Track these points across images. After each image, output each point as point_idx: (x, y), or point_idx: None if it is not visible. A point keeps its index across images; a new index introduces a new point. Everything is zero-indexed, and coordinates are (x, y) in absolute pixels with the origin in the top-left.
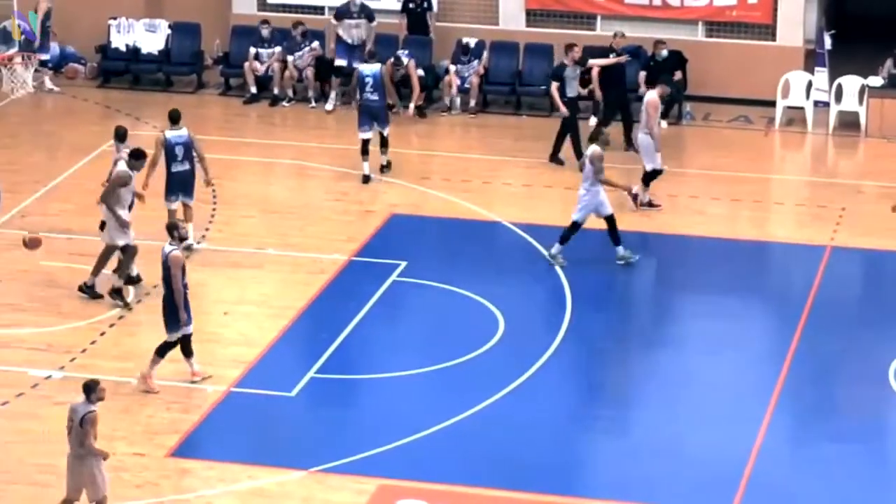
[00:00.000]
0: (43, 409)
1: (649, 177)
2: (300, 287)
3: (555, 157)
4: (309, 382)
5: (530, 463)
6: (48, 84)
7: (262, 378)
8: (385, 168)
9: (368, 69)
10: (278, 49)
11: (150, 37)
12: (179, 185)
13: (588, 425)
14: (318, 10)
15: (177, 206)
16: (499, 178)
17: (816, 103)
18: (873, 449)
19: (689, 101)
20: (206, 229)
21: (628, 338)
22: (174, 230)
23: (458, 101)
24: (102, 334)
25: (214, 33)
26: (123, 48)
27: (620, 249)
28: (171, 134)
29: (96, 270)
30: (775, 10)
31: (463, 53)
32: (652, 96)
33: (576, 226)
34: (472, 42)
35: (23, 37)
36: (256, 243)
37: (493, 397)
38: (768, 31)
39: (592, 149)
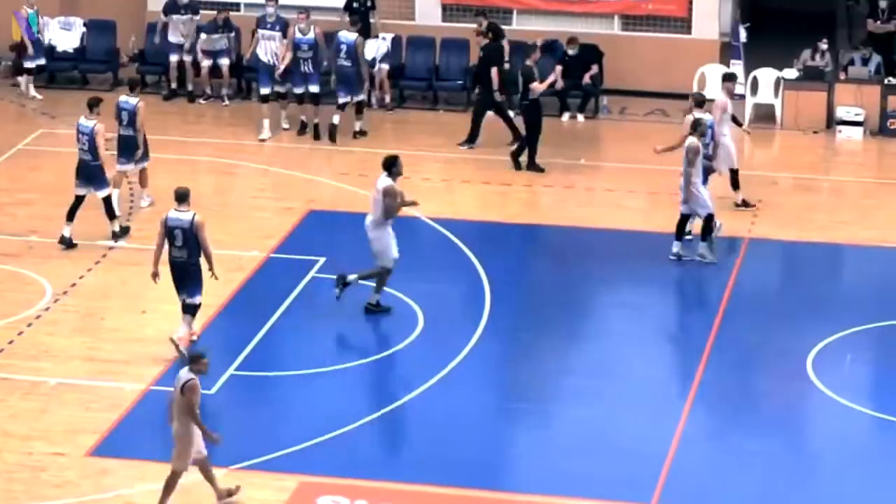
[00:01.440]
0: None
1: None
2: (218, 284)
3: (536, 166)
4: (228, 380)
5: (451, 458)
6: None
7: None
8: (358, 134)
9: (344, 36)
10: (193, 17)
11: (65, 34)
12: (121, 149)
13: (509, 419)
14: (234, 6)
15: (127, 168)
16: (417, 173)
17: (732, 96)
18: (792, 440)
19: (605, 95)
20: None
21: (547, 331)
22: (187, 196)
23: (373, 97)
24: (20, 334)
25: (130, 30)
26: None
27: (701, 246)
28: (122, 99)
29: (378, 288)
30: (690, 3)
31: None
32: (719, 96)
33: (685, 219)
34: (385, 42)
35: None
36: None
37: (414, 393)
38: (684, 24)
39: (690, 140)
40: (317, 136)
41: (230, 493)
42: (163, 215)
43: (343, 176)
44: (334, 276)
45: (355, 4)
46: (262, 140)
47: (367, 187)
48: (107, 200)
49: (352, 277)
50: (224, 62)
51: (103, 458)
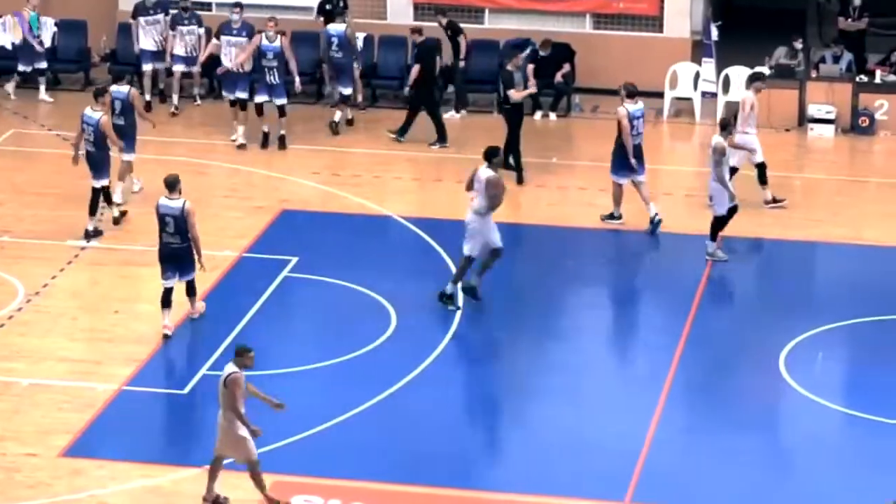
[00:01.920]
0: None
1: (761, 174)
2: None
3: (507, 164)
4: (201, 380)
5: (425, 457)
6: None
7: (155, 376)
8: (334, 124)
9: (334, 29)
10: (162, 16)
11: None
12: (120, 138)
13: (482, 418)
14: (206, 6)
15: (132, 157)
16: (389, 172)
17: (704, 94)
18: (764, 437)
19: (577, 94)
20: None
21: (521, 330)
22: (177, 184)
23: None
24: None
25: (101, 30)
26: (9, 46)
27: (710, 245)
28: (114, 88)
29: (457, 278)
30: (662, 1)
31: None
32: (747, 94)
33: (732, 211)
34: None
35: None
36: (148, 241)
37: (387, 391)
38: (655, 22)
39: (716, 139)
40: (283, 146)
41: (217, 502)
42: (155, 203)
43: (315, 175)
44: (310, 276)
45: (328, 7)
46: (235, 140)
47: (340, 187)
48: (96, 193)
49: (475, 285)
50: (196, 70)
51: (76, 458)
